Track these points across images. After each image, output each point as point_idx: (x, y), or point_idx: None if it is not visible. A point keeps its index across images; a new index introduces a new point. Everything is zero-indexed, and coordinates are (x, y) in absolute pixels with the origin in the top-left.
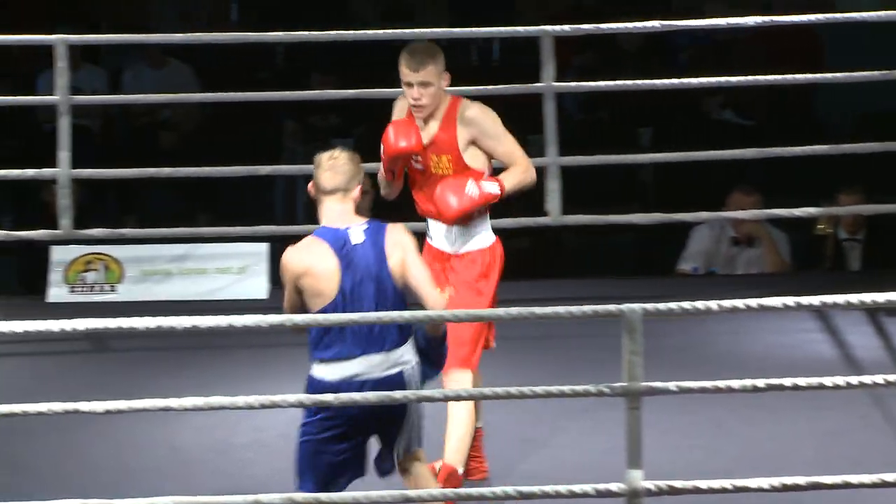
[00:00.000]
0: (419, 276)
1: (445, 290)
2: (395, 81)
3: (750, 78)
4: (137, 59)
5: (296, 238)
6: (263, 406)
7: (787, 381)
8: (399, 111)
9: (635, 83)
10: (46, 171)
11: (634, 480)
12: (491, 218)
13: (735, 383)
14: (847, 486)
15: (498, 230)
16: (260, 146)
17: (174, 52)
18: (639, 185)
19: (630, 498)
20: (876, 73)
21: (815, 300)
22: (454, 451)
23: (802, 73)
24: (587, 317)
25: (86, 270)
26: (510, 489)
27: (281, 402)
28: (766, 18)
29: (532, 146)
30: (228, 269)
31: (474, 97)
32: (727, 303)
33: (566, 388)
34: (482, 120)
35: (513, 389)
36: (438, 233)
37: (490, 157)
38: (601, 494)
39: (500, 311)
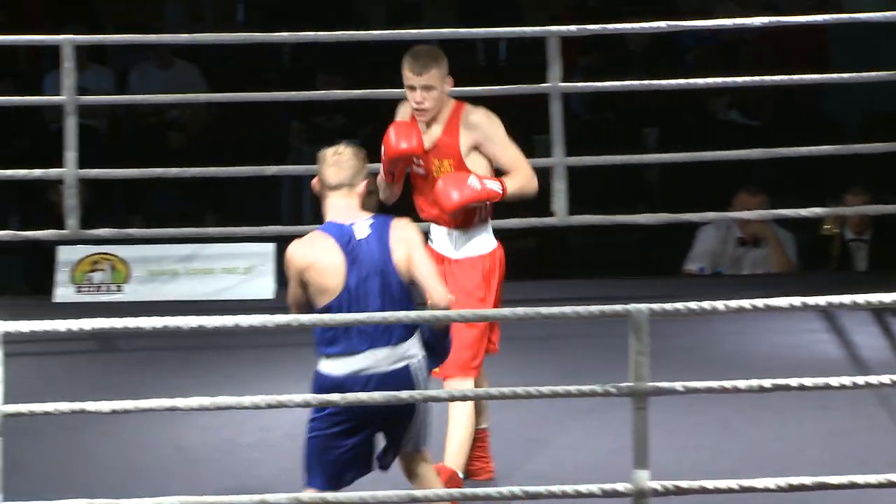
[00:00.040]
0: (425, 271)
1: None
2: (401, 82)
3: (756, 78)
4: (144, 59)
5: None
6: (270, 406)
7: (794, 382)
8: (402, 115)
9: (642, 83)
10: (53, 172)
11: (641, 480)
12: (497, 218)
13: (741, 383)
14: (853, 486)
15: (504, 230)
16: (266, 146)
17: (181, 53)
18: (645, 186)
19: (636, 498)
20: (882, 73)
21: (822, 300)
22: (455, 455)
23: (809, 73)
24: (593, 317)
25: (92, 270)
26: (516, 489)
27: (287, 402)
28: (773, 19)
29: (538, 146)
30: (235, 269)
31: (480, 98)
32: (733, 303)
33: (572, 389)
34: (486, 125)
35: (519, 389)
36: (440, 236)
37: (492, 164)
38: (607, 494)
39: (507, 311)
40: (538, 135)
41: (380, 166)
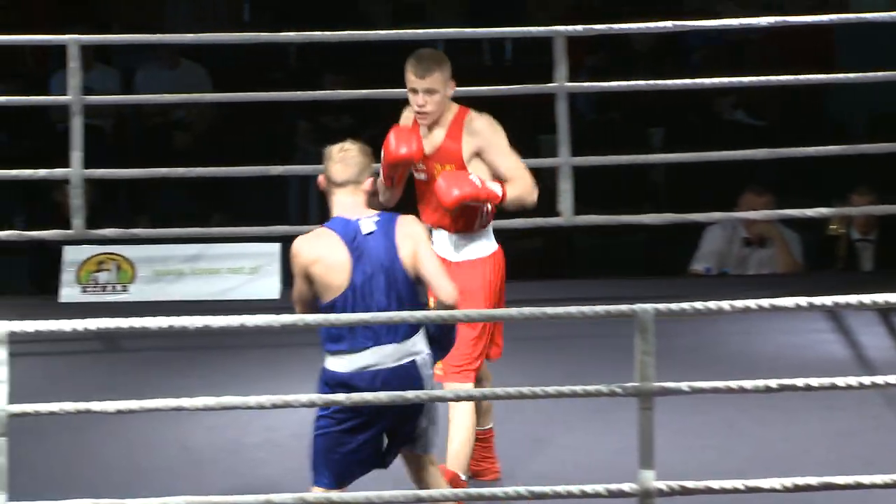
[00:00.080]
0: (431, 268)
1: None
2: None
3: (762, 78)
4: (150, 59)
5: None
6: (275, 406)
7: (800, 382)
8: (406, 119)
9: (647, 83)
10: (59, 171)
11: (647, 481)
12: (502, 218)
13: (747, 384)
14: (859, 486)
15: (509, 230)
16: (272, 146)
17: (187, 53)
18: (651, 186)
19: (642, 498)
20: (888, 73)
21: (828, 300)
22: (456, 457)
23: (815, 73)
24: (599, 317)
25: (98, 270)
26: (522, 489)
27: (293, 401)
28: (779, 19)
29: (544, 146)
30: (241, 269)
31: (486, 98)
32: (739, 303)
33: (578, 389)
34: (489, 132)
35: (525, 389)
36: (440, 240)
37: (493, 173)
38: (613, 495)
39: (512, 310)
40: (544, 135)
41: (380, 167)
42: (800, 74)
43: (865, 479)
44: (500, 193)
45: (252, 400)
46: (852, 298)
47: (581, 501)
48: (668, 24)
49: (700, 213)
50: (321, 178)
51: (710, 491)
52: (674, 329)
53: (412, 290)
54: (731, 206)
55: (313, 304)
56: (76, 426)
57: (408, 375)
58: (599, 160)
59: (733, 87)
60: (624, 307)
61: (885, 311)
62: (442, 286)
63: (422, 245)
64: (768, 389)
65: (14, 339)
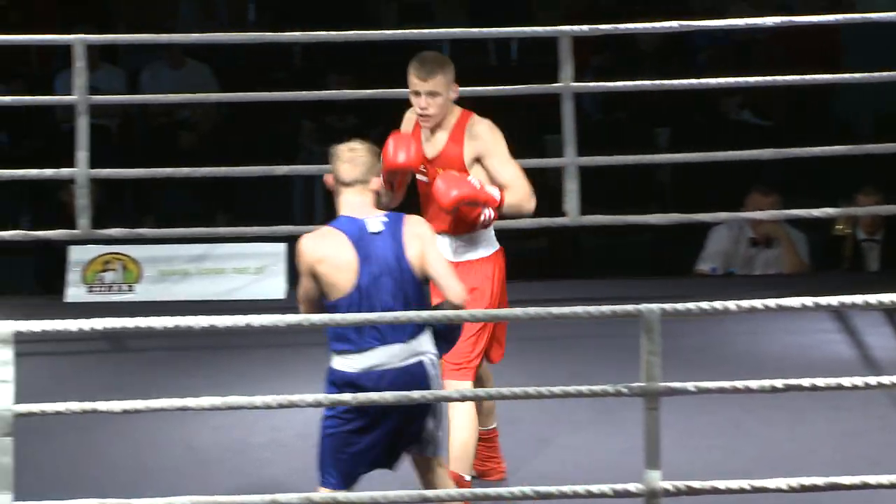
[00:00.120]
0: (439, 268)
1: None
2: None
3: (768, 78)
4: (155, 58)
5: None
6: (281, 406)
7: (806, 382)
8: (407, 121)
9: (653, 83)
10: (64, 171)
11: (652, 481)
12: (508, 218)
13: (753, 384)
14: (865, 486)
15: (516, 230)
16: (277, 146)
17: (192, 52)
18: (657, 186)
19: (648, 498)
20: (895, 73)
21: (834, 300)
22: (458, 458)
23: (821, 73)
24: (605, 317)
25: (104, 270)
26: (527, 489)
27: (298, 401)
28: (785, 19)
29: (550, 146)
30: (246, 269)
31: (492, 98)
32: (745, 303)
33: (584, 388)
34: (489, 138)
35: (530, 389)
36: (441, 244)
37: (492, 179)
38: (619, 495)
39: (518, 310)
40: (550, 135)
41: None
42: (806, 74)
43: (871, 480)
44: (497, 197)
45: (258, 400)
46: (858, 298)
47: (587, 501)
48: (674, 23)
49: (706, 213)
50: (329, 177)
51: (716, 491)
52: (680, 329)
53: (419, 291)
54: (737, 206)
55: (319, 304)
56: (82, 426)
57: (414, 375)
58: (605, 160)
59: (739, 87)
60: (630, 307)
61: (891, 312)
62: (451, 286)
63: (429, 245)
64: (774, 389)
65: (20, 339)
